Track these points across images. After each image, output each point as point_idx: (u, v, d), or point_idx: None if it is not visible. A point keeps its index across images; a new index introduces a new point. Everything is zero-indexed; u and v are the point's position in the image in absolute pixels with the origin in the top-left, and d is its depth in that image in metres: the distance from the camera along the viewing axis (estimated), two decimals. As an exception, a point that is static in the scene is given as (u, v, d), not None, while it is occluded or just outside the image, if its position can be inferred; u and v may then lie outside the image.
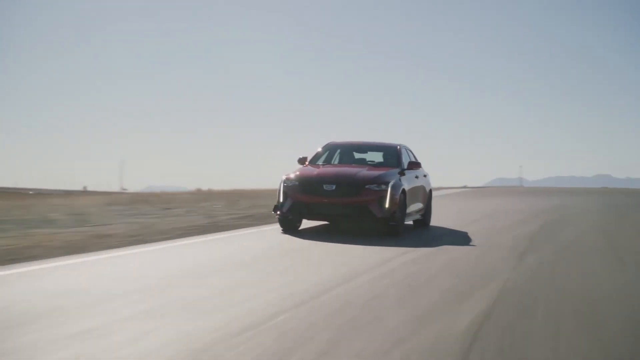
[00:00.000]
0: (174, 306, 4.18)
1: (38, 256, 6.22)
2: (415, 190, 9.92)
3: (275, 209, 9.09)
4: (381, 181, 8.74)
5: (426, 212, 10.86)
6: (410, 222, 10.60)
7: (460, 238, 8.96)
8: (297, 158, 10.15)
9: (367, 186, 8.67)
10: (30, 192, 37.74)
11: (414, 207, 9.94)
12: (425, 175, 11.05)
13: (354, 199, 8.64)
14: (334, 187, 8.69)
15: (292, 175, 9.12)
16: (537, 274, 5.95)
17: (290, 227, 9.22)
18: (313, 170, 9.24)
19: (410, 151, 10.96)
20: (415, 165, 10.08)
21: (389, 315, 4.05)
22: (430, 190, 11.24)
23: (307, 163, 9.99)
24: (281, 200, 8.99)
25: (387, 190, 8.63)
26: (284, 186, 9.04)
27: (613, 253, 7.88)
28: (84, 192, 37.33)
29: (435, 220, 11.46)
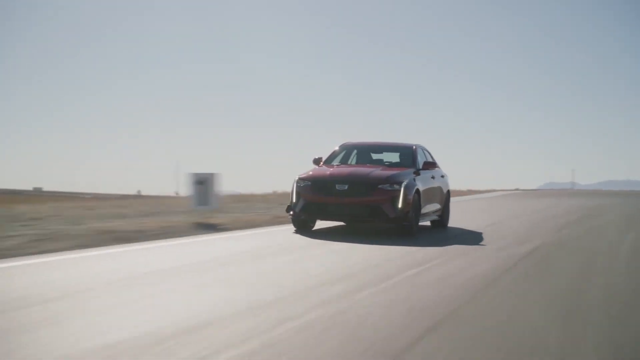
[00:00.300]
0: (359, 238, 8.28)
1: (261, 225, 10.46)
2: (431, 190, 9.96)
3: (288, 209, 9.24)
4: (394, 181, 8.79)
5: (444, 212, 10.92)
6: (428, 223, 10.82)
7: (516, 223, 12.76)
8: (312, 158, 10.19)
9: (379, 186, 8.74)
10: (88, 196, 38.53)
11: (430, 207, 10.00)
12: (442, 176, 11.07)
13: (367, 199, 8.71)
14: (346, 187, 8.76)
15: (305, 176, 9.20)
16: (566, 238, 9.72)
17: (303, 227, 9.37)
18: (326, 171, 9.28)
19: (427, 151, 11.02)
20: (430, 165, 10.07)
21: (479, 249, 7.99)
22: (448, 191, 11.30)
23: (322, 163, 10.03)
24: (294, 200, 9.09)
25: (400, 190, 8.69)
26: (296, 186, 9.11)
27: (623, 231, 11.52)
28: (139, 196, 37.40)
29: (495, 213, 15.27)
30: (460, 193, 33.38)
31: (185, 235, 8.58)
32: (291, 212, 9.17)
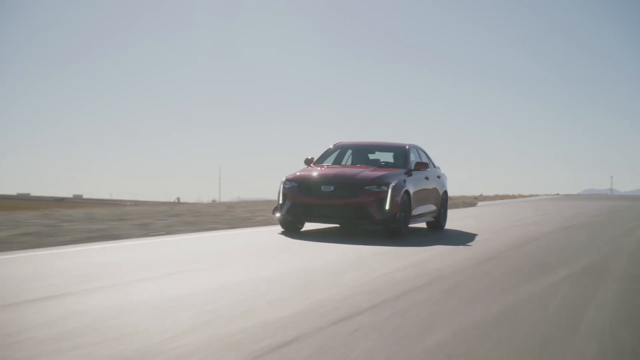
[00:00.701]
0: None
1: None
2: (424, 191, 9.78)
3: (275, 210, 9.11)
4: (381, 182, 8.59)
5: (440, 214, 10.69)
6: (424, 225, 10.90)
7: (562, 213, 17.99)
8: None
9: (366, 187, 8.52)
10: (128, 204, 39.27)
11: (424, 209, 9.87)
12: (439, 177, 10.85)
13: (353, 201, 8.51)
14: (332, 188, 8.57)
15: (291, 176, 9.01)
16: (596, 221, 14.88)
17: (291, 228, 9.17)
18: (313, 171, 9.06)
19: (423, 151, 10.82)
20: (422, 165, 9.74)
21: (541, 223, 13.23)
22: (445, 192, 11.05)
23: (312, 164, 9.89)
24: (280, 201, 8.93)
25: (387, 192, 8.50)
26: (283, 187, 8.94)
27: (635, 219, 16.58)
28: (179, 203, 36.23)
29: (545, 209, 20.50)
30: (511, 197, 40.09)
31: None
32: (277, 214, 9.07)
